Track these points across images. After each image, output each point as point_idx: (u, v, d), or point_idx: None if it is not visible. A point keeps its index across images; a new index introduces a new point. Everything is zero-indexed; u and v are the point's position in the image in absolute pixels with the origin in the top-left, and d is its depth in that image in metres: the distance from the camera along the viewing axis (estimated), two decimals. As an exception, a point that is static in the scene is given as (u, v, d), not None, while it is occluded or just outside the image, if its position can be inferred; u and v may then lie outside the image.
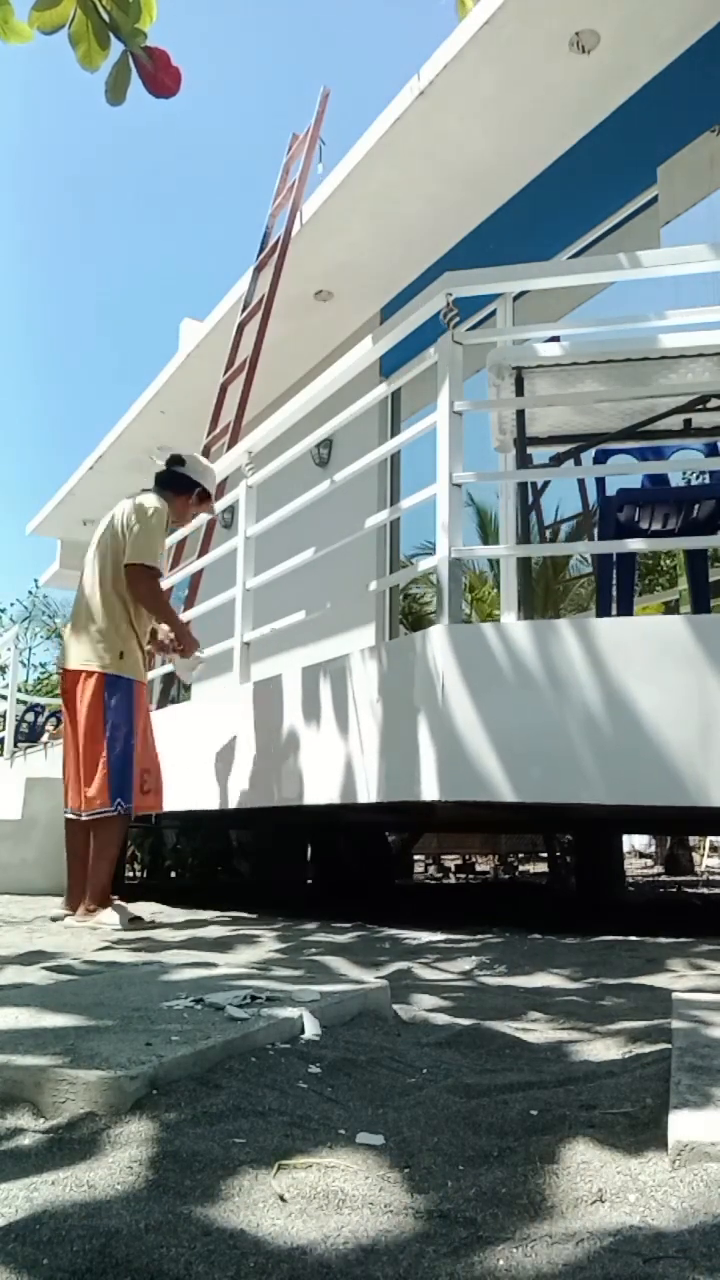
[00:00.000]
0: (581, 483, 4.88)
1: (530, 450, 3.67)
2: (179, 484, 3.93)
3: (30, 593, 27.40)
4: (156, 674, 5.68)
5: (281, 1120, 1.03)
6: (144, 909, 4.04)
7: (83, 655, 3.59)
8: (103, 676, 3.55)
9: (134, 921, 3.46)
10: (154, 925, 3.48)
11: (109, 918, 3.43)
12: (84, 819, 3.52)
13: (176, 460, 3.97)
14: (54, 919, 3.60)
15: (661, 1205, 0.82)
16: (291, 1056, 1.25)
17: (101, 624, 3.61)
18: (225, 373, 6.69)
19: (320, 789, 3.53)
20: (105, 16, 2.11)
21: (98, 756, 3.50)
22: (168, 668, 5.46)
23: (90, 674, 3.56)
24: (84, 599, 3.69)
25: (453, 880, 9.40)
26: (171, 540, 5.56)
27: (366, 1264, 0.73)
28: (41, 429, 59.42)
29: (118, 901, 3.56)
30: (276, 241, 6.46)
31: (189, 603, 5.55)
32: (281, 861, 5.41)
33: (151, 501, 3.73)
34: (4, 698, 9.31)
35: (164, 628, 3.92)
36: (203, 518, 4.46)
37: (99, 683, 3.55)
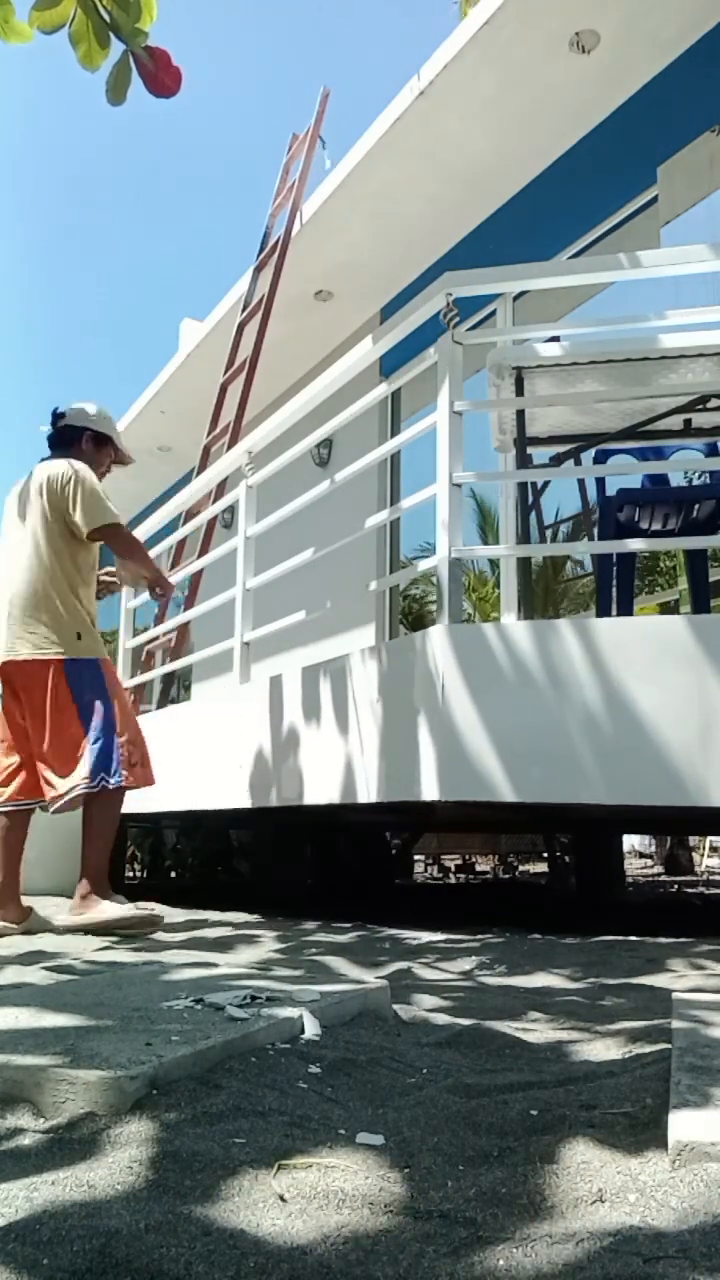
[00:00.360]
0: (581, 483, 4.88)
1: (530, 450, 3.66)
2: (73, 438, 3.58)
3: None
4: (156, 674, 5.69)
5: (281, 1120, 1.03)
6: (144, 909, 4.03)
7: (33, 644, 3.30)
8: (63, 663, 3.28)
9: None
10: (159, 924, 3.38)
11: (110, 910, 3.20)
12: (61, 807, 3.22)
13: (61, 416, 3.62)
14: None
15: (661, 1205, 0.82)
16: (291, 1056, 1.25)
17: (47, 609, 3.33)
18: (225, 373, 6.69)
19: (320, 789, 3.53)
20: (106, 16, 2.11)
21: (77, 742, 3.24)
22: (168, 668, 5.47)
23: (46, 662, 3.28)
24: (16, 586, 3.38)
25: (453, 880, 9.39)
26: (173, 539, 5.57)
27: (366, 1264, 0.73)
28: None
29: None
30: (276, 241, 6.46)
31: (189, 603, 5.54)
32: (281, 861, 5.41)
33: (63, 466, 3.43)
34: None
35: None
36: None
37: (59, 670, 3.27)
